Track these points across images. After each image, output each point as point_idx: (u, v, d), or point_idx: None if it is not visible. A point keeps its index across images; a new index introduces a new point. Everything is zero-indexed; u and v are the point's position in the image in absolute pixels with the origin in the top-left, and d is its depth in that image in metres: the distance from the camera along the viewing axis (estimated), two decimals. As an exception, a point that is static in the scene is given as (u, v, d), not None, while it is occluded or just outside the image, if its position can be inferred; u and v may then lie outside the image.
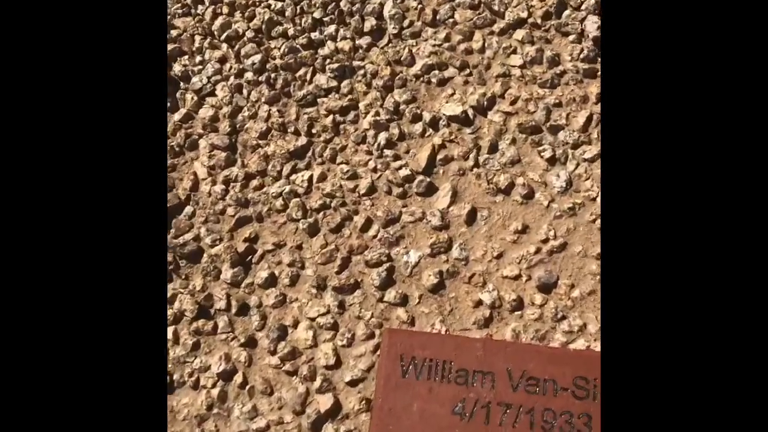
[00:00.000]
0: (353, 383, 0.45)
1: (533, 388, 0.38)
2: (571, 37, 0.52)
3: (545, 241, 0.47)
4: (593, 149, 0.48)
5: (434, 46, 0.53)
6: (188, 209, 0.51)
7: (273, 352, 0.46)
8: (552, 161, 0.49)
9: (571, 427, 0.37)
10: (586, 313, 0.44)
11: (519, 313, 0.45)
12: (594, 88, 0.50)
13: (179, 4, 0.57)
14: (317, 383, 0.45)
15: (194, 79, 0.54)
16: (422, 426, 0.38)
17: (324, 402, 0.44)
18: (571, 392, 0.38)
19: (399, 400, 0.38)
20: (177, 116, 0.53)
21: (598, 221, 0.46)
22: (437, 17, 0.54)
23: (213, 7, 0.56)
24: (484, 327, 0.45)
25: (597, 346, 0.43)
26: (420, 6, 0.54)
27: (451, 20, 0.54)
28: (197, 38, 0.56)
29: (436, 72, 0.53)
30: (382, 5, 0.55)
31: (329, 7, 0.55)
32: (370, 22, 0.54)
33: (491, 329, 0.45)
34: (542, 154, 0.49)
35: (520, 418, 0.37)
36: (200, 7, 0.57)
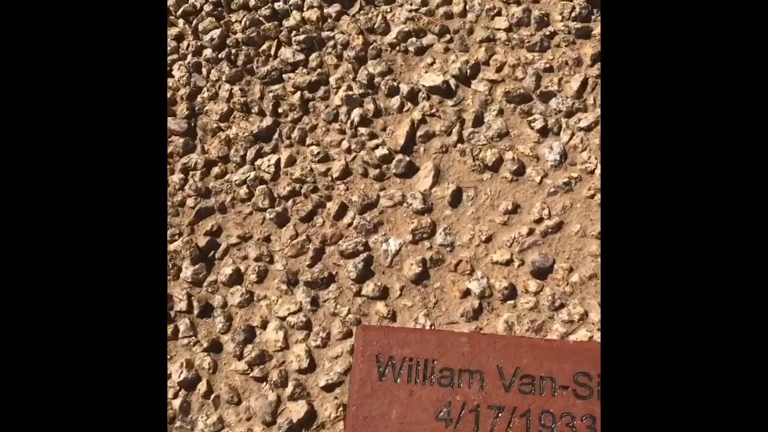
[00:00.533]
0: (329, 388, 0.40)
1: (528, 387, 0.33)
2: (561, -4, 0.47)
3: (539, 221, 0.42)
4: (590, 117, 0.43)
5: (410, 11, 0.49)
6: (145, 202, 0.46)
7: (240, 357, 0.42)
8: (544, 132, 0.44)
9: (573, 430, 0.32)
10: (588, 299, 0.40)
11: (512, 302, 0.40)
12: (588, 49, 0.45)
13: (131, -21, 0.52)
14: (289, 390, 0.41)
15: (149, 60, 0.50)
16: (402, 435, 0.33)
17: (297, 410, 0.40)
18: (572, 391, 0.33)
19: (376, 407, 0.34)
20: (131, 101, 0.49)
21: (597, 196, 0.42)
22: (413, -20, 0.49)
23: (168, -21, 0.52)
24: (473, 319, 0.40)
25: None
26: (393, -32, 0.49)
27: (428, -17, 0.49)
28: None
29: (414, 40, 0.48)
30: (351, -31, 0.50)
31: (294, -26, 0.50)
32: (339, -12, 0.50)
33: (481, 322, 0.40)
34: (533, 124, 0.44)
35: (514, 423, 0.32)
36: (154, -19, 0.52)
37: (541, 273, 0.41)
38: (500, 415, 0.33)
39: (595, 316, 0.40)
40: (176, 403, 0.42)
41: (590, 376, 0.33)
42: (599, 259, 0.40)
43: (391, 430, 0.33)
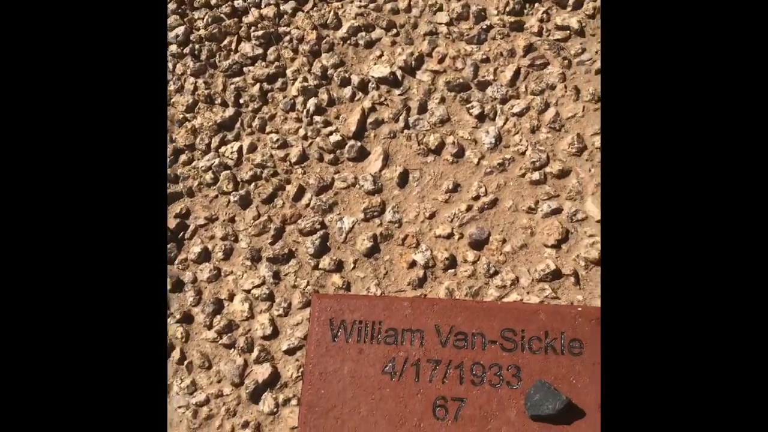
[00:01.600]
0: (290, 351, 0.45)
1: (462, 342, 0.38)
2: (496, -10, 0.51)
3: (476, 198, 0.47)
4: (521, 103, 0.48)
5: (360, 7, 0.53)
6: (118, 188, 0.50)
7: (209, 327, 0.46)
8: (481, 118, 0.48)
9: (500, 379, 0.37)
10: (519, 266, 0.45)
11: (452, 271, 0.45)
12: (521, 41, 0.50)
13: (97, -21, 0.55)
14: (255, 354, 0.45)
15: (117, 55, 0.53)
16: (353, 388, 0.38)
17: (262, 372, 0.44)
18: (500, 345, 0.38)
19: (330, 364, 0.38)
20: (101, 94, 0.52)
21: (528, 174, 0.46)
22: (362, -23, 0.53)
23: (133, -21, 0.55)
24: (418, 287, 0.45)
25: (530, 299, 0.43)
26: (344, -33, 0.53)
27: (376, -20, 0.53)
28: (118, 13, 0.54)
29: (363, 34, 0.52)
30: (305, -32, 0.54)
31: (252, -27, 0.54)
32: (293, -14, 0.53)
33: (425, 289, 0.45)
34: (471, 111, 0.49)
35: (449, 373, 0.37)
36: (119, -20, 0.55)
37: (478, 244, 0.46)
38: (437, 367, 0.38)
39: (525, 281, 0.45)
40: (153, 370, 0.46)
41: (515, 332, 0.38)
42: (530, 231, 0.45)
43: (344, 384, 0.38)
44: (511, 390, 0.37)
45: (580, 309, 0.39)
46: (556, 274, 0.44)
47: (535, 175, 0.47)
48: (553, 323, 0.38)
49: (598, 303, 0.43)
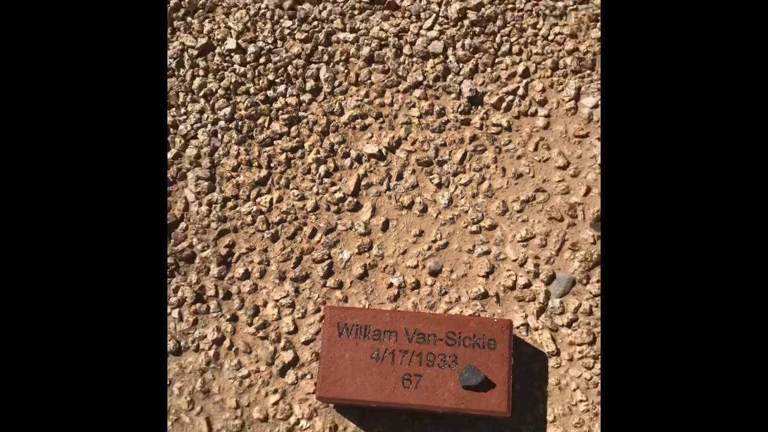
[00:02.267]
0: (306, 342, 0.66)
1: (421, 340, 0.60)
2: (453, 95, 0.73)
3: (434, 241, 0.68)
4: (466, 177, 0.70)
5: (357, 100, 0.74)
6: (182, 225, 0.70)
7: (250, 324, 0.67)
8: (439, 186, 0.70)
9: (444, 363, 0.59)
10: (460, 289, 0.67)
11: (417, 291, 0.67)
12: (467, 132, 0.72)
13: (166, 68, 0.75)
14: (282, 344, 0.66)
15: (181, 127, 0.73)
16: (352, 367, 0.59)
17: (287, 356, 0.66)
18: (445, 342, 0.60)
19: (337, 352, 0.60)
20: (170, 155, 0.72)
21: (469, 226, 0.68)
22: (359, 79, 0.74)
23: (191, 70, 0.75)
24: (394, 301, 0.67)
25: (466, 312, 0.65)
26: (346, 71, 0.74)
27: (369, 81, 0.74)
28: (181, 95, 0.74)
29: (359, 120, 0.73)
30: (318, 70, 0.74)
31: (279, 71, 0.74)
32: (310, 83, 0.74)
33: (398, 303, 0.67)
34: (432, 180, 0.70)
35: (413, 359, 0.59)
36: (182, 70, 0.75)
37: (434, 273, 0.68)
38: (405, 355, 0.60)
39: (464, 299, 0.67)
40: (211, 353, 0.67)
41: (455, 333, 0.60)
42: (469, 265, 0.68)
43: (345, 365, 0.60)
44: (451, 370, 0.59)
45: (496, 320, 0.61)
46: (484, 295, 0.66)
47: (473, 227, 0.69)
48: (479, 328, 0.60)
49: (510, 316, 0.65)
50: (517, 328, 0.64)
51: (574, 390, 0.62)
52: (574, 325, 0.64)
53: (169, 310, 0.66)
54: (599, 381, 0.62)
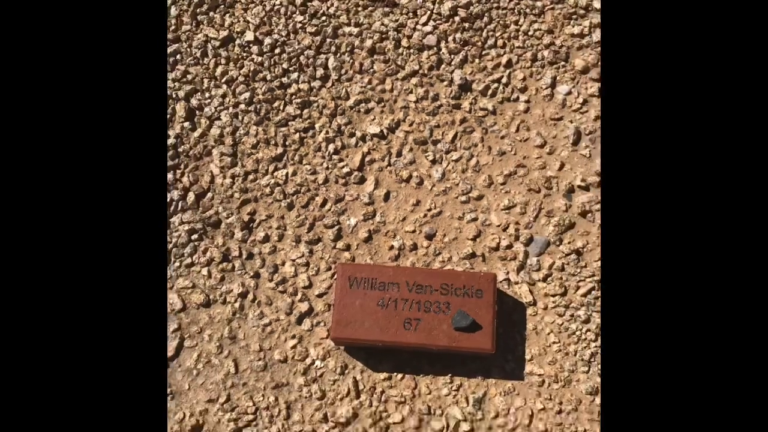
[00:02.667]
0: (320, 295, 0.76)
1: (420, 290, 0.71)
2: (445, 83, 0.84)
3: (429, 210, 0.79)
4: (457, 154, 0.81)
5: (361, 87, 0.84)
6: (209, 195, 0.80)
7: (270, 280, 0.77)
8: (433, 162, 0.81)
9: (439, 309, 0.70)
10: (452, 250, 0.78)
11: (415, 252, 0.77)
12: (458, 115, 0.82)
13: (191, 57, 0.85)
14: (298, 296, 0.76)
15: (206, 109, 0.83)
16: (362, 313, 0.70)
17: (303, 307, 0.76)
18: (440, 292, 0.71)
19: (349, 300, 0.71)
20: (196, 134, 0.82)
21: (459, 197, 0.79)
22: (363, 68, 0.84)
23: (214, 59, 0.85)
24: (395, 260, 0.77)
25: (457, 268, 0.76)
26: (351, 61, 0.85)
27: (371, 70, 0.84)
28: (205, 81, 0.84)
29: (363, 104, 0.83)
30: (327, 59, 0.85)
31: (292, 61, 0.84)
32: (319, 71, 0.84)
33: (400, 261, 0.77)
34: (427, 157, 0.81)
35: (412, 306, 0.70)
36: (206, 59, 0.85)
37: (430, 237, 0.79)
38: (406, 303, 0.70)
39: (456, 258, 0.77)
40: (237, 305, 0.77)
41: (448, 285, 0.71)
42: (460, 230, 0.78)
43: (356, 311, 0.70)
44: (445, 315, 0.70)
45: (482, 273, 0.72)
46: (472, 255, 0.77)
47: (463, 198, 0.79)
48: (469, 281, 0.71)
49: (494, 272, 0.76)
50: (500, 282, 0.75)
51: (548, 334, 0.73)
52: (548, 279, 0.75)
53: (199, 269, 0.76)
54: (569, 326, 0.73)
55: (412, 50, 0.84)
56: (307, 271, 0.73)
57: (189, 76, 0.82)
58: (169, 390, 0.72)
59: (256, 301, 0.72)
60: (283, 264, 0.73)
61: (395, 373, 0.72)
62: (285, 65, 0.81)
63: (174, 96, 0.81)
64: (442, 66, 0.82)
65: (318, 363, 0.73)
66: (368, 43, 0.83)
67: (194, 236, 0.77)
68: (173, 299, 0.74)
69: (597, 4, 0.84)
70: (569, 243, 0.76)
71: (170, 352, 0.73)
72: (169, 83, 0.82)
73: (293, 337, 0.71)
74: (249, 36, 0.84)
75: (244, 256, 0.74)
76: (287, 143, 0.78)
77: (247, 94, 0.79)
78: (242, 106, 0.79)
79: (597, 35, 0.83)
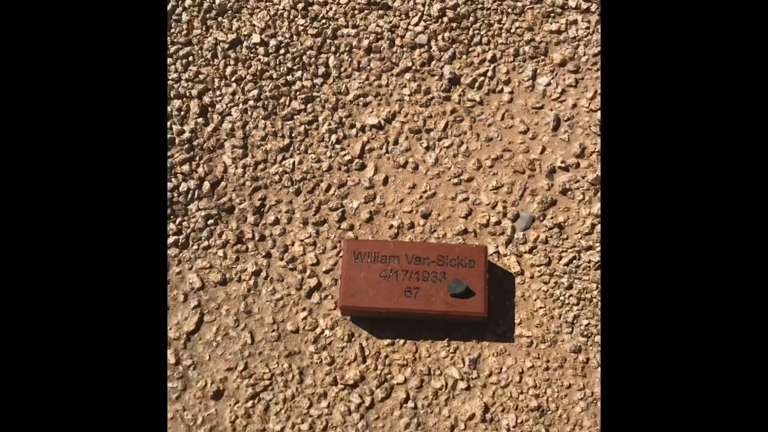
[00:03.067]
0: (327, 272, 0.83)
1: (418, 261, 0.78)
2: (436, 77, 0.92)
3: (425, 192, 0.86)
4: (448, 141, 0.89)
5: (360, 83, 0.91)
6: (222, 183, 0.87)
7: (281, 259, 0.84)
8: (427, 149, 0.89)
9: (436, 278, 0.78)
10: (446, 228, 0.85)
11: (412, 230, 0.85)
12: (449, 106, 0.90)
13: (203, 59, 0.92)
14: (307, 273, 0.83)
15: (218, 106, 0.90)
16: (366, 283, 0.77)
17: (312, 282, 0.83)
18: (436, 263, 0.78)
19: (354, 272, 0.78)
20: (209, 129, 0.89)
21: (451, 180, 0.87)
22: (360, 65, 0.92)
23: (224, 60, 0.92)
24: (395, 237, 0.85)
25: (451, 242, 0.84)
26: (350, 59, 0.92)
27: (369, 67, 0.92)
28: (216, 80, 0.92)
29: (362, 99, 0.90)
30: (327, 59, 0.92)
31: (296, 60, 0.92)
32: (321, 69, 0.92)
33: (399, 238, 0.85)
34: (421, 144, 0.89)
35: (412, 276, 0.77)
36: (215, 60, 0.92)
37: (426, 216, 0.86)
38: (407, 273, 0.78)
39: (450, 234, 0.85)
40: (251, 282, 0.84)
41: (444, 257, 0.78)
42: (453, 210, 0.86)
43: (361, 281, 0.78)
44: (441, 284, 0.77)
45: (474, 246, 0.80)
46: (465, 232, 0.85)
47: (455, 180, 0.87)
48: (462, 252, 0.79)
49: (484, 244, 0.84)
50: (491, 255, 0.82)
51: (535, 300, 0.81)
52: (533, 251, 0.83)
53: (215, 251, 0.84)
54: (554, 292, 0.81)
55: (405, 49, 0.92)
56: (314, 250, 0.81)
57: (201, 76, 0.89)
58: (191, 361, 0.79)
59: (269, 279, 0.79)
60: (293, 244, 0.81)
61: (398, 339, 0.79)
62: (289, 64, 0.89)
63: (188, 94, 0.89)
64: (433, 62, 0.90)
65: (327, 332, 0.80)
66: (365, 43, 0.91)
67: (210, 221, 0.84)
68: (192, 279, 0.81)
69: (572, 3, 0.92)
70: (552, 218, 0.83)
71: (191, 327, 0.80)
72: (183, 83, 0.90)
73: (304, 309, 0.78)
74: (255, 38, 0.92)
75: (256, 238, 0.81)
76: (293, 135, 0.85)
77: (255, 92, 0.86)
78: (251, 102, 0.86)
79: (573, 31, 0.92)
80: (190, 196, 0.84)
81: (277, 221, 0.83)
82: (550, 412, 0.76)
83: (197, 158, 0.85)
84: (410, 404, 0.77)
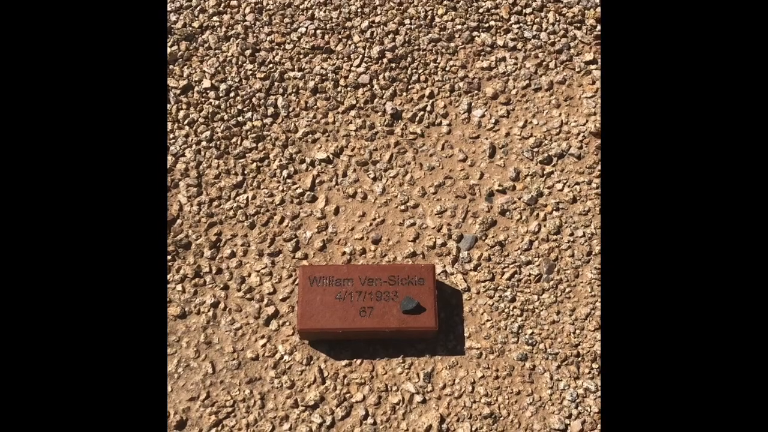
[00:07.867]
0: (284, 299, 0.87)
1: (371, 282, 0.83)
2: (379, 113, 0.98)
3: (374, 219, 0.92)
4: (394, 171, 0.95)
5: (308, 121, 0.98)
6: (179, 221, 0.91)
7: (239, 290, 0.88)
8: (374, 179, 0.95)
9: (389, 297, 0.82)
10: (396, 251, 0.90)
11: (364, 255, 0.90)
12: (392, 139, 0.97)
13: (156, 104, 0.97)
14: (264, 302, 0.87)
15: (171, 148, 0.94)
16: (322, 306, 0.81)
17: (269, 310, 0.86)
18: (387, 282, 0.83)
19: (311, 296, 0.82)
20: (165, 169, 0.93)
21: (399, 207, 0.93)
22: (308, 104, 0.98)
23: (176, 105, 0.97)
24: (348, 262, 0.89)
25: (402, 263, 0.89)
26: (297, 99, 0.98)
27: (316, 106, 0.98)
28: (169, 124, 0.96)
29: (311, 136, 0.97)
30: (276, 100, 0.98)
31: (246, 102, 0.97)
32: (270, 110, 0.97)
33: (353, 262, 0.89)
34: (369, 175, 0.95)
35: (365, 296, 0.82)
36: (168, 105, 0.97)
37: (376, 241, 0.91)
38: (360, 294, 0.82)
39: (399, 257, 0.90)
40: (210, 314, 0.87)
41: (395, 277, 0.83)
42: (400, 234, 0.91)
43: (317, 305, 0.81)
44: (394, 302, 0.82)
45: (423, 265, 0.85)
46: (413, 254, 0.90)
47: (402, 207, 0.92)
48: (412, 272, 0.83)
49: (432, 263, 0.89)
50: (439, 274, 0.88)
51: (482, 313, 0.86)
52: (478, 268, 0.88)
53: (173, 285, 0.86)
54: (498, 305, 0.86)
55: (349, 88, 0.98)
56: (270, 279, 0.84)
57: (155, 120, 0.93)
58: (153, 394, 0.81)
59: (227, 309, 0.83)
60: (249, 275, 0.84)
61: (355, 359, 0.83)
62: (240, 106, 0.94)
63: (142, 138, 0.93)
64: (376, 99, 0.97)
65: (286, 357, 0.83)
66: (311, 84, 0.97)
67: (168, 258, 0.87)
68: (152, 313, 0.83)
69: (500, 42, 1.01)
70: (493, 237, 0.89)
71: (152, 361, 0.82)
72: (137, 127, 0.94)
73: (262, 337, 0.82)
74: (206, 83, 0.97)
75: (213, 272, 0.84)
76: (246, 172, 0.90)
77: (207, 133, 0.91)
78: (204, 143, 0.91)
79: (503, 67, 1.00)
80: (147, 234, 0.87)
81: (233, 254, 0.86)
82: (502, 418, 0.80)
83: (153, 197, 0.87)
84: (369, 420, 0.80)
